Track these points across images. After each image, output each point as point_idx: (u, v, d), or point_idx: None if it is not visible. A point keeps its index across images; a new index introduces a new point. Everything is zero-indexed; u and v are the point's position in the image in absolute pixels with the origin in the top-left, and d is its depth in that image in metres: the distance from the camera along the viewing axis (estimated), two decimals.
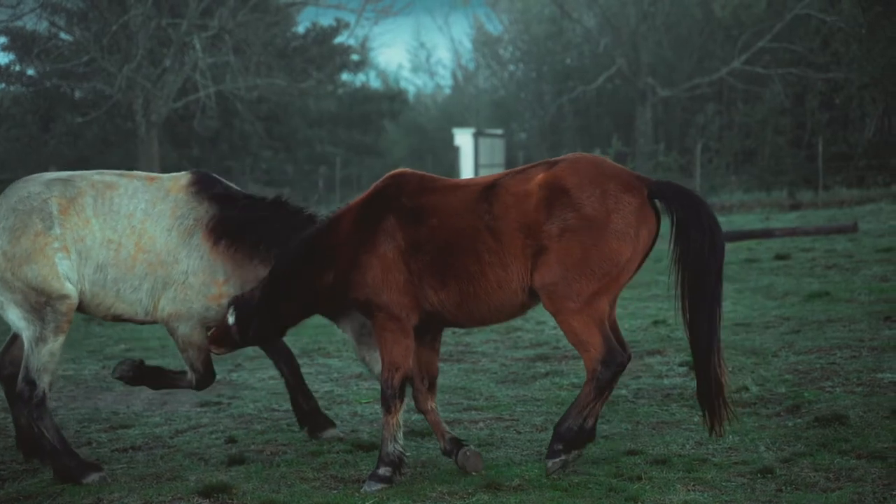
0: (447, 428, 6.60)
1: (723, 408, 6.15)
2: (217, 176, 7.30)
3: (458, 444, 6.46)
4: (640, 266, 6.18)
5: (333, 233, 6.45)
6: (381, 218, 6.29)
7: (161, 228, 6.91)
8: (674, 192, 6.13)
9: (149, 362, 10.76)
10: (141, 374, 7.13)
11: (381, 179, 6.51)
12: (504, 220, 6.03)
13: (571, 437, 6.10)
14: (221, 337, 6.65)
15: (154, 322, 7.15)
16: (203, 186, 7.07)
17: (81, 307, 6.95)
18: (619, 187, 5.99)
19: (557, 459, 6.12)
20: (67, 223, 6.78)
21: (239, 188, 7.35)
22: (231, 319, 6.59)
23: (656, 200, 6.10)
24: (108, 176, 7.09)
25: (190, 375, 7.13)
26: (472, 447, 6.45)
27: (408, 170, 6.56)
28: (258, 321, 6.55)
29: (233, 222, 6.93)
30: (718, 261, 6.07)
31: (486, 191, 6.17)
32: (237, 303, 6.61)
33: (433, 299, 6.18)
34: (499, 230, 6.04)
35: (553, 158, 6.32)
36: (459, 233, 6.10)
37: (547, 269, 5.94)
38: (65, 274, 6.74)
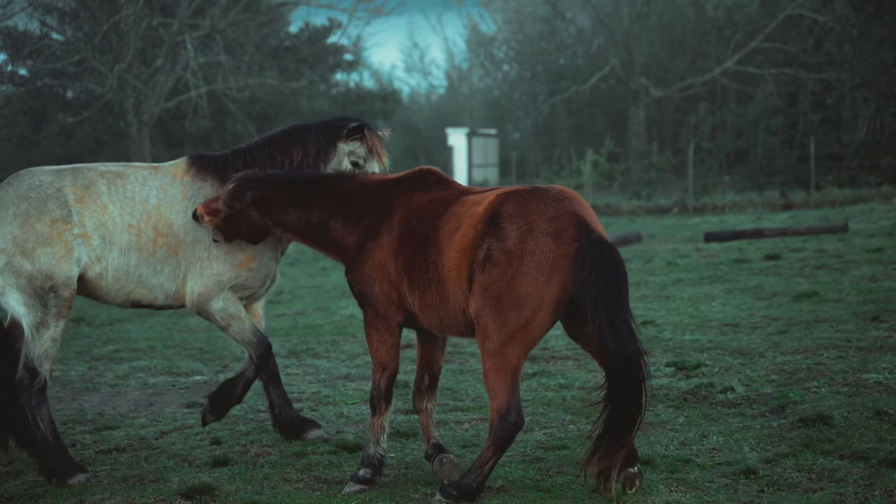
0: (435, 433, 6.56)
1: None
2: (206, 153, 7.43)
3: (439, 450, 6.42)
4: (553, 319, 5.72)
5: (362, 200, 6.47)
6: (390, 210, 6.34)
7: (175, 212, 7.03)
8: (591, 258, 5.60)
9: (139, 363, 10.72)
10: (218, 402, 7.21)
11: (408, 171, 6.58)
12: (450, 239, 5.93)
13: (470, 491, 5.86)
14: (211, 205, 6.66)
15: (171, 307, 7.21)
16: (201, 166, 7.21)
17: (99, 294, 7.02)
18: (549, 230, 5.64)
19: (446, 501, 5.86)
20: (86, 210, 6.87)
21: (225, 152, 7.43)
22: (228, 186, 6.62)
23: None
24: (114, 167, 7.22)
25: (247, 356, 7.18)
26: (451, 456, 6.38)
27: (433, 168, 6.56)
28: (251, 205, 6.56)
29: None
30: (619, 333, 5.58)
31: (451, 205, 6.10)
32: (244, 174, 6.66)
33: (408, 299, 6.18)
34: (442, 247, 5.95)
35: (531, 186, 6.09)
36: (422, 240, 6.08)
37: (472, 298, 5.77)
38: (78, 259, 6.82)
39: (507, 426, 5.75)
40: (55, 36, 33.99)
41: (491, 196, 5.97)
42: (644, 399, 5.71)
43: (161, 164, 7.32)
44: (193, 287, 7.03)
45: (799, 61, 39.30)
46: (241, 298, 7.17)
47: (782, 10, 38.86)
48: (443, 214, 6.08)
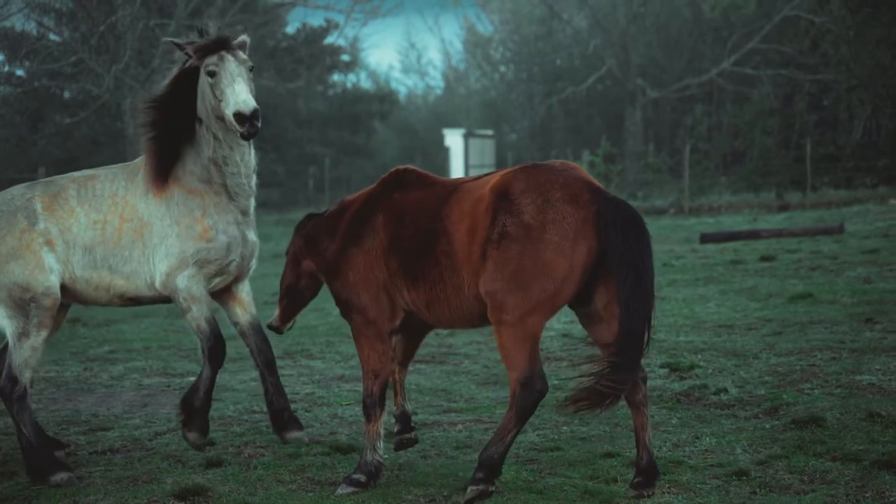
0: (404, 400, 6.65)
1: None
2: None
3: (406, 422, 6.56)
4: (580, 285, 5.70)
5: (340, 218, 6.50)
6: (373, 214, 6.30)
7: (138, 195, 7.13)
8: (614, 218, 5.61)
9: (134, 364, 10.71)
10: (189, 415, 7.14)
11: (386, 173, 6.54)
12: (459, 226, 5.88)
13: (493, 464, 5.81)
14: None
15: (160, 297, 7.19)
16: None
17: (79, 296, 7.14)
18: (565, 197, 5.64)
19: (477, 488, 5.80)
20: (52, 217, 7.01)
21: None
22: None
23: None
24: (89, 171, 7.40)
25: (201, 349, 7.14)
26: (411, 436, 6.58)
27: (411, 167, 6.52)
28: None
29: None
30: (644, 294, 5.61)
31: (451, 194, 6.06)
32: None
33: (407, 298, 6.13)
34: (452, 235, 5.89)
35: (532, 163, 6.09)
36: (425, 235, 6.01)
37: (486, 277, 5.72)
38: (50, 267, 6.92)
39: (532, 393, 5.67)
40: (52, 37, 33.99)
41: (494, 178, 5.94)
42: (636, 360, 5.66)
43: (133, 161, 7.44)
44: (160, 267, 7.06)
45: (795, 62, 39.34)
46: (214, 276, 7.14)
47: (779, 12, 38.90)
48: (444, 205, 6.01)
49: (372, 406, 6.28)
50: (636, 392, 5.90)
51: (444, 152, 43.86)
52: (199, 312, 7.10)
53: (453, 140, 44.18)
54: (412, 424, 6.67)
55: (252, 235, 7.32)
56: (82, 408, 9.02)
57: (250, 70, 7.05)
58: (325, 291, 6.87)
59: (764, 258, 17.03)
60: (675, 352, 10.02)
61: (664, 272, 16.64)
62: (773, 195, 32.31)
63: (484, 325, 6.11)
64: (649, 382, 8.75)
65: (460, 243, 5.86)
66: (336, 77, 46.41)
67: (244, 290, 7.48)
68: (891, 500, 5.67)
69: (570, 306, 5.94)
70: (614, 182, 39.47)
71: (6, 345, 7.22)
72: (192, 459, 7.07)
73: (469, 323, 6.11)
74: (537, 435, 7.40)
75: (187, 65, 7.08)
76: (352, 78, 50.38)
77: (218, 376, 10.10)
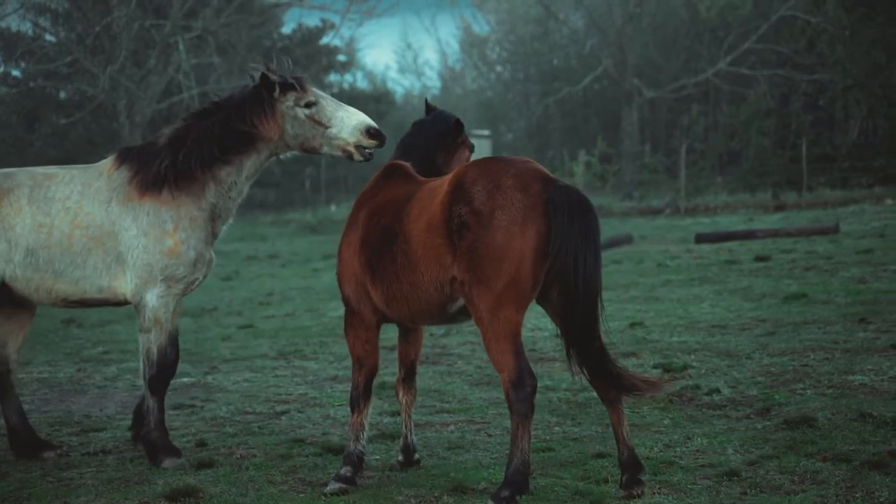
0: (407, 431, 6.73)
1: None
2: (132, 146, 7.39)
3: (409, 455, 6.71)
4: (538, 271, 5.66)
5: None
6: (360, 207, 6.43)
7: (98, 203, 6.98)
8: (562, 202, 5.65)
9: (128, 365, 10.74)
10: (150, 447, 7.00)
11: (383, 166, 6.61)
12: (417, 223, 5.91)
13: (520, 478, 5.72)
14: None
15: (113, 300, 7.09)
16: (125, 157, 7.15)
17: (23, 294, 7.07)
18: (516, 185, 5.66)
19: None
20: None
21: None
22: None
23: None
24: (52, 169, 7.24)
25: (141, 374, 7.03)
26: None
27: (400, 163, 6.57)
28: None
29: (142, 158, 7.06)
30: (588, 268, 5.66)
31: (415, 193, 6.12)
32: None
33: (373, 295, 6.21)
34: (410, 233, 5.93)
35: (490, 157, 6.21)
36: (386, 233, 6.09)
37: (456, 268, 5.73)
38: None
39: (524, 390, 5.64)
40: (48, 37, 34.02)
41: (450, 174, 6.03)
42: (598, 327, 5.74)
43: (95, 164, 7.29)
44: (130, 279, 6.95)
45: (791, 62, 39.38)
46: (180, 296, 7.04)
47: (775, 12, 38.96)
48: (406, 205, 6.07)
49: (356, 399, 6.36)
50: (609, 388, 5.89)
51: None
52: (155, 338, 6.97)
53: None
54: (415, 458, 6.72)
55: (212, 254, 7.19)
56: (75, 409, 9.02)
57: None
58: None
59: (759, 258, 17.06)
60: (668, 352, 10.03)
61: (659, 272, 16.67)
62: (769, 195, 32.33)
63: (444, 319, 6.16)
64: None
65: (418, 240, 5.89)
66: (332, 77, 46.40)
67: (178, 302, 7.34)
68: (880, 500, 5.67)
69: (538, 301, 5.93)
70: (610, 182, 39.55)
71: None
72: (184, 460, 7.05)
73: (429, 318, 6.14)
74: None
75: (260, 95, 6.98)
76: (348, 78, 50.47)
77: (212, 377, 10.13)
